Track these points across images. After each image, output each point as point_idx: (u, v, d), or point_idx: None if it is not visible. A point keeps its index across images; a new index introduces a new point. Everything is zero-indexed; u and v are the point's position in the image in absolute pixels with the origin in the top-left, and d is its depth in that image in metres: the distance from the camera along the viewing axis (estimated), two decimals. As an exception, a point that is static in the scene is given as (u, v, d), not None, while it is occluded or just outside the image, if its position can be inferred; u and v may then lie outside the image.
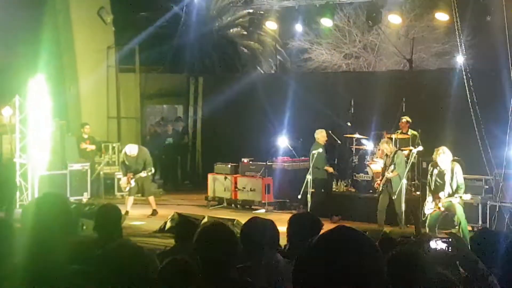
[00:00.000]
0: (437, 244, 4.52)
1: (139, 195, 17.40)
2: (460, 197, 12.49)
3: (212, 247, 4.23)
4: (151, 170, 16.93)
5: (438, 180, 12.79)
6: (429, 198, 12.97)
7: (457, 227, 12.84)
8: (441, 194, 12.70)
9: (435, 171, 12.83)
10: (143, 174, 16.73)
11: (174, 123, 24.94)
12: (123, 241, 4.03)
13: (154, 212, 16.87)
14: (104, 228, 6.10)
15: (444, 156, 12.65)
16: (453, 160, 12.88)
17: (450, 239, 4.63)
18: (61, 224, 3.84)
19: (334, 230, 2.19)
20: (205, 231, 4.43)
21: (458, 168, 12.73)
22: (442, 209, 12.71)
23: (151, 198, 17.17)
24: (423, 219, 13.01)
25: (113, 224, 6.14)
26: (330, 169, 16.56)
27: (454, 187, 12.60)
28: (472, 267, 4.65)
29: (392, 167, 14.56)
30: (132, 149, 16.93)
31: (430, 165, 13.11)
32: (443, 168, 12.68)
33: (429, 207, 12.91)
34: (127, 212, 16.12)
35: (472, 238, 5.42)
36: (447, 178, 12.64)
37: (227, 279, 4.20)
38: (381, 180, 14.85)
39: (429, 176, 13.02)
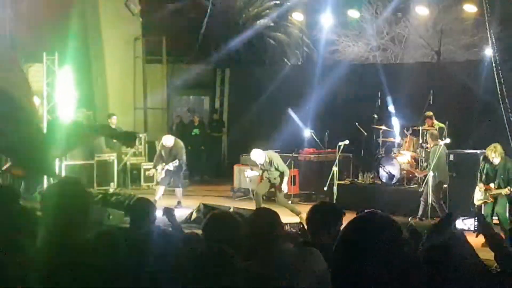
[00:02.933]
0: (464, 224, 4.47)
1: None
2: (510, 189, 12.67)
3: (216, 234, 4.29)
4: (175, 162, 16.89)
5: (490, 174, 13.02)
6: (478, 189, 13.18)
7: (496, 218, 12.98)
8: (491, 185, 12.95)
9: (487, 166, 13.02)
10: (169, 166, 16.75)
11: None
12: (154, 227, 4.05)
13: (179, 204, 16.88)
14: (137, 220, 6.30)
15: (497, 153, 12.81)
16: (505, 156, 13.00)
17: (477, 218, 4.57)
18: (81, 210, 3.86)
19: (365, 215, 2.22)
20: (211, 219, 4.51)
21: (510, 164, 12.90)
22: (491, 199, 12.95)
23: (178, 190, 17.18)
24: (472, 210, 13.18)
25: (145, 216, 6.34)
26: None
27: (506, 182, 12.80)
28: (507, 261, 4.56)
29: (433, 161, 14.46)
30: (168, 140, 17.01)
31: (482, 158, 13.28)
32: (495, 164, 12.88)
33: (478, 198, 13.12)
34: (155, 201, 16.19)
35: None
36: (499, 173, 12.87)
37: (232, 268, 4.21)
38: (420, 173, 14.83)
39: (480, 168, 13.21)
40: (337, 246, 2.19)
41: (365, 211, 2.30)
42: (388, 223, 2.16)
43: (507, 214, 13.05)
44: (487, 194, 13.00)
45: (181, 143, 17.47)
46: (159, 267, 3.32)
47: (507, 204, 13.01)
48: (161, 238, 3.46)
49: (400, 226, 2.19)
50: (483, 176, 13.11)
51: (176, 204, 16.91)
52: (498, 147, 12.92)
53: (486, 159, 13.08)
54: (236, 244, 4.36)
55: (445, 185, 15.95)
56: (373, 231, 2.14)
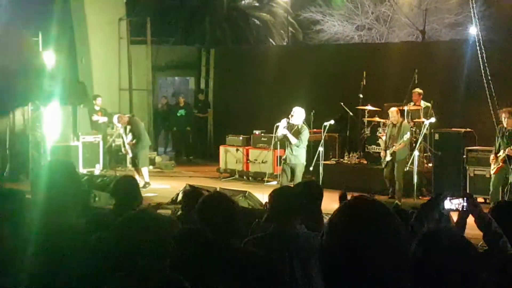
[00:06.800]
0: (451, 204, 4.49)
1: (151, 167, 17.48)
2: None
3: (211, 215, 4.30)
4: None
5: (504, 139, 13.21)
6: (490, 159, 13.53)
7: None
8: (500, 153, 13.21)
9: (500, 132, 13.24)
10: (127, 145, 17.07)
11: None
12: (143, 209, 4.06)
13: (146, 185, 16.76)
14: (122, 198, 6.20)
15: (508, 115, 13.05)
16: None
17: (465, 199, 4.59)
18: (72, 191, 3.87)
19: (353, 200, 2.22)
20: (205, 201, 4.51)
21: None
22: (502, 164, 13.18)
23: (143, 170, 17.15)
24: (488, 176, 13.73)
25: (132, 195, 6.23)
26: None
27: None
28: (494, 241, 4.57)
29: (402, 138, 14.55)
30: (115, 119, 17.37)
31: (498, 127, 13.44)
32: (508, 128, 13.12)
33: (492, 167, 13.39)
34: (148, 184, 16.51)
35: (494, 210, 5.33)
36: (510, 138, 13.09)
37: (232, 249, 4.24)
38: (385, 151, 14.94)
39: (496, 136, 13.44)
40: (331, 235, 2.17)
41: (354, 196, 2.28)
42: (384, 212, 2.17)
43: None
44: (498, 160, 13.24)
45: (137, 120, 17.52)
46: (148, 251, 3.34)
47: None
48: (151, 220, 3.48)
49: (394, 214, 2.19)
50: (498, 144, 13.30)
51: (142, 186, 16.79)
52: (511, 109, 13.09)
53: (501, 126, 13.27)
54: (233, 226, 4.38)
55: (430, 164, 16.06)
56: (371, 221, 2.13)
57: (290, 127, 14.07)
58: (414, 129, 15.63)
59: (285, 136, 13.90)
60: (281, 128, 14.07)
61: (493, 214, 4.99)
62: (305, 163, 14.21)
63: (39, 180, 3.93)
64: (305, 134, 14.01)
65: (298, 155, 13.99)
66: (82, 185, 3.96)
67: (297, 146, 13.84)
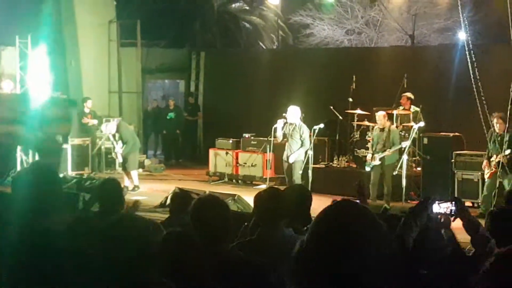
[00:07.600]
0: (440, 207, 4.50)
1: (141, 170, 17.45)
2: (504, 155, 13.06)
3: (206, 219, 4.28)
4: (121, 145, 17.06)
5: (493, 145, 13.31)
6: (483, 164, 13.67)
7: None
8: (492, 158, 13.33)
9: (492, 138, 13.32)
10: (118, 150, 16.97)
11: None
12: (126, 214, 4.05)
13: (135, 188, 16.76)
14: (107, 201, 6.15)
15: (500, 121, 13.15)
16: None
17: (454, 203, 4.61)
18: (53, 194, 3.85)
19: (336, 204, 2.22)
20: (199, 204, 4.49)
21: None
22: (495, 169, 13.28)
23: (132, 173, 17.09)
24: (476, 181, 14.03)
25: (116, 198, 6.18)
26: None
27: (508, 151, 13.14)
28: (482, 244, 4.60)
29: (391, 143, 14.59)
30: (104, 129, 17.39)
31: (488, 132, 13.49)
32: (499, 131, 13.26)
33: (486, 172, 13.54)
34: (137, 187, 16.51)
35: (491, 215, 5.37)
36: (503, 142, 13.16)
37: (220, 252, 4.24)
38: (372, 154, 14.94)
39: (488, 141, 13.51)
40: (310, 240, 2.18)
41: (336, 200, 2.28)
42: (368, 216, 2.17)
43: None
44: (491, 165, 13.34)
45: (125, 124, 17.49)
46: (131, 254, 3.32)
47: None
48: (133, 223, 3.46)
49: (375, 216, 2.19)
50: (490, 150, 13.43)
51: (131, 189, 16.73)
52: (501, 115, 13.14)
53: (492, 131, 13.34)
54: (227, 229, 4.38)
55: (418, 168, 16.12)
56: (348, 224, 2.14)
57: (288, 127, 14.49)
58: (403, 133, 15.66)
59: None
60: (279, 130, 14.40)
61: (494, 219, 5.04)
62: (302, 160, 14.45)
63: (19, 182, 3.91)
64: (306, 133, 14.45)
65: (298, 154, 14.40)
66: (67, 187, 3.93)
67: (302, 146, 14.35)
